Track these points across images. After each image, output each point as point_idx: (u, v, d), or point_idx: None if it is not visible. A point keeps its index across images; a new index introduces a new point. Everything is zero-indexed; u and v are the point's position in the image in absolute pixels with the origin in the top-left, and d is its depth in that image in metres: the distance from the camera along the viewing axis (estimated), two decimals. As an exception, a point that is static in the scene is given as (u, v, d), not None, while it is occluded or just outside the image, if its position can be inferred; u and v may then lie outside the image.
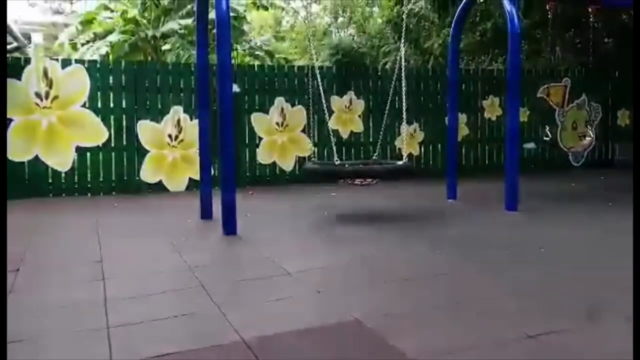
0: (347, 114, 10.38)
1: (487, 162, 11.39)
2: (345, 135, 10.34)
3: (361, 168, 7.25)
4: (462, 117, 10.64)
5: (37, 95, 8.46)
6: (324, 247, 5.22)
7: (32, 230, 6.05)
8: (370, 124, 10.48)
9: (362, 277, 4.19)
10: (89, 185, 8.87)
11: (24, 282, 4.17)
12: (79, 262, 4.76)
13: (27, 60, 8.64)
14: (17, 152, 8.41)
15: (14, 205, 7.91)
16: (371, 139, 10.35)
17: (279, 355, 2.77)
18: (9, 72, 8.34)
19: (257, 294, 3.83)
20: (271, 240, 5.43)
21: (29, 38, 10.86)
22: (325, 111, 7.57)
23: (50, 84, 8.52)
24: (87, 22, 16.07)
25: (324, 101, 7.25)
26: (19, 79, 8.38)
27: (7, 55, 8.56)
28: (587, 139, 9.85)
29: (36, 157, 8.51)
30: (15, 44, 8.72)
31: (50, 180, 8.66)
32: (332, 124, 9.54)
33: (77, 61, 9.31)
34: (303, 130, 9.98)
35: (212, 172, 7.20)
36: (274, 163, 9.94)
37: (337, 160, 7.09)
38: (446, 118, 8.82)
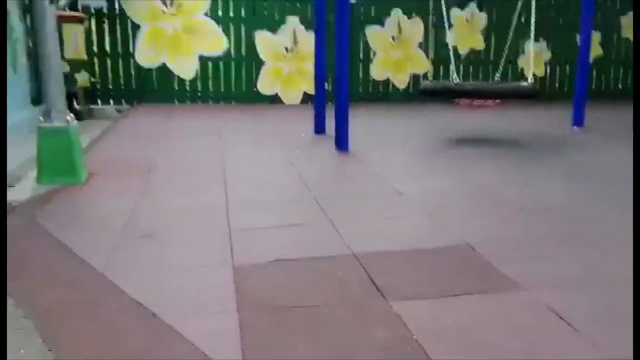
0: (467, 29, 9.86)
1: (620, 86, 10.48)
2: (463, 52, 9.87)
3: (481, 88, 6.94)
4: (596, 35, 9.76)
5: (162, 1, 8.78)
6: (436, 169, 5.17)
7: (159, 136, 6.49)
8: (492, 41, 9.90)
9: (475, 203, 4.14)
10: (211, 95, 9.25)
11: (153, 185, 4.55)
12: (203, 168, 5.08)
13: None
14: (146, 58, 8.90)
15: (144, 110, 8.52)
16: (492, 58, 9.81)
17: (386, 271, 2.85)
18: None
19: (368, 210, 3.92)
20: (383, 159, 5.45)
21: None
22: (445, 25, 7.19)
23: (173, -9, 8.79)
24: None
25: (444, 13, 6.87)
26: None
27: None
28: None
29: (163, 65, 8.96)
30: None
31: (176, 88, 9.14)
32: (450, 39, 9.10)
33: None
34: (419, 46, 9.65)
35: (326, 87, 7.23)
36: (388, 80, 9.76)
37: (455, 80, 6.81)
38: (577, 36, 8.12)
